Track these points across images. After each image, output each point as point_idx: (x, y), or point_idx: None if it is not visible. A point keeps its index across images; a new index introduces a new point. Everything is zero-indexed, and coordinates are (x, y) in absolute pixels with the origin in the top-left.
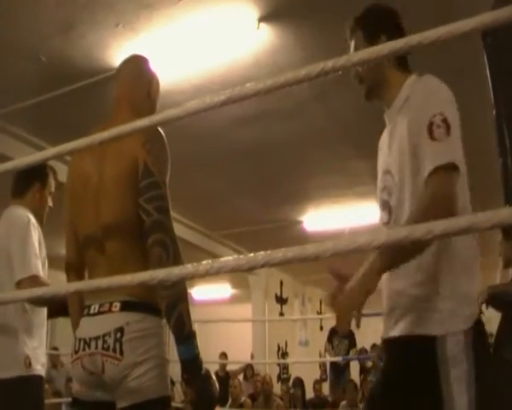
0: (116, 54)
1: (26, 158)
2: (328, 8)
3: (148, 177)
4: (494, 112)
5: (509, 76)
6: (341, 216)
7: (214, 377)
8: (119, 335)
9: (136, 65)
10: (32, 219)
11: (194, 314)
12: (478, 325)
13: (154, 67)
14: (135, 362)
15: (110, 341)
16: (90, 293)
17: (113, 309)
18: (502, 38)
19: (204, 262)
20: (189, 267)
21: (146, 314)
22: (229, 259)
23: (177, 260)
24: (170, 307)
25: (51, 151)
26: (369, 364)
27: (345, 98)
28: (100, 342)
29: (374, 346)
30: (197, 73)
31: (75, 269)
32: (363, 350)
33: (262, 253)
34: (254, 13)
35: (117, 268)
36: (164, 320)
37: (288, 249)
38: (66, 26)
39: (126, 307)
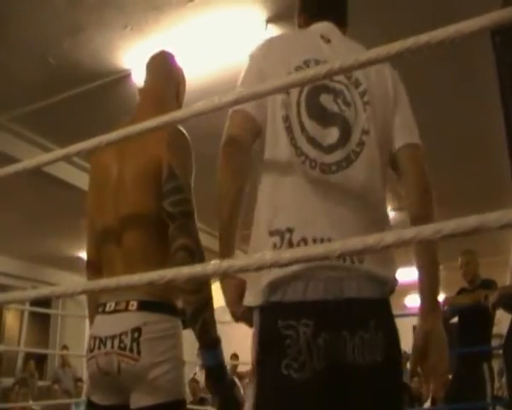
0: (124, 56)
1: (35, 159)
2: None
3: (173, 180)
4: (503, 112)
5: None
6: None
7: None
8: (136, 335)
9: (167, 63)
10: None
11: None
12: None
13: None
14: (152, 363)
15: (127, 340)
16: (104, 290)
17: (130, 308)
18: (511, 37)
19: (212, 262)
20: (197, 267)
21: (164, 314)
22: (237, 259)
23: None
24: (195, 313)
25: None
26: None
27: None
28: (116, 342)
29: None
30: (205, 74)
31: (95, 266)
32: None
33: (270, 253)
34: (262, 14)
35: (133, 263)
36: (180, 321)
37: (297, 250)
38: (75, 28)
39: (144, 306)
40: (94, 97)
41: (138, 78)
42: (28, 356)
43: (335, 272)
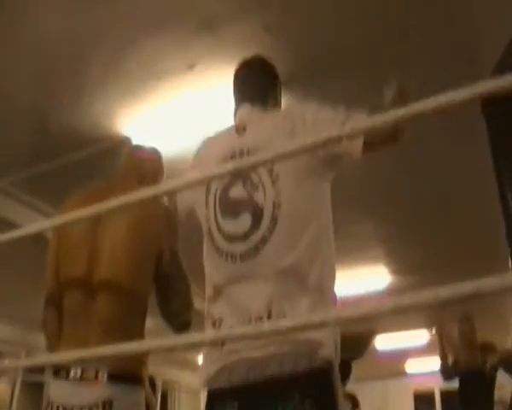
0: (124, 122)
1: (35, 225)
2: (330, 78)
3: (175, 261)
4: (496, 179)
5: (510, 143)
6: (347, 282)
7: None
8: (107, 407)
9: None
10: None
11: None
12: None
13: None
14: None
15: None
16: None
17: (100, 378)
18: (502, 106)
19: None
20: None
21: (132, 385)
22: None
23: None
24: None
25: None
26: None
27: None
28: None
29: None
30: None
31: (55, 304)
32: None
33: (266, 324)
34: None
35: (110, 332)
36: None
37: (294, 318)
38: (76, 94)
39: (114, 377)
40: (93, 163)
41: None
42: None
43: (258, 351)
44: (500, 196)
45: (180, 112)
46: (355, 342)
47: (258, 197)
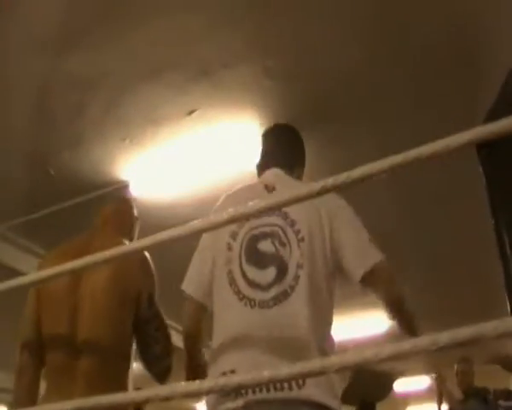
0: (123, 167)
1: (36, 275)
2: (331, 124)
3: (153, 306)
4: (492, 222)
5: (506, 186)
6: (345, 327)
7: None
8: None
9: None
10: None
11: None
12: None
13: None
14: None
15: None
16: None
17: None
18: (497, 150)
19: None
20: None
21: None
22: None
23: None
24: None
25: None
26: None
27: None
28: None
29: None
30: (203, 186)
31: (31, 352)
32: None
33: (266, 372)
34: (260, 126)
35: (95, 384)
36: None
37: (294, 366)
38: (76, 140)
39: None
40: (93, 207)
41: (136, 189)
42: None
43: (270, 406)
44: (497, 239)
45: (179, 157)
46: (380, 383)
47: (285, 254)
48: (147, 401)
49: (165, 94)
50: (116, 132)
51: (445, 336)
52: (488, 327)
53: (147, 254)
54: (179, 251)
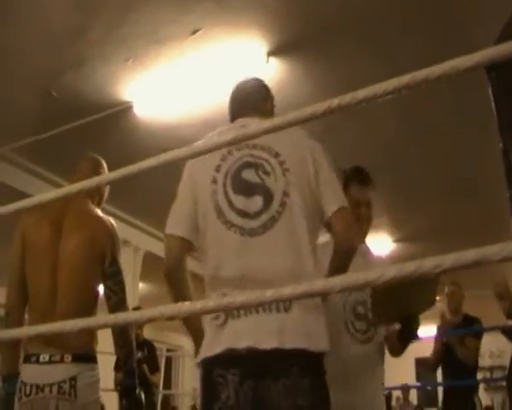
0: (126, 88)
1: (39, 197)
2: (337, 42)
3: (114, 264)
4: (500, 145)
5: None
6: None
7: None
8: (73, 382)
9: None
10: None
11: None
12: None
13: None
14: (86, 403)
15: (66, 386)
16: (35, 343)
17: (66, 360)
18: (506, 72)
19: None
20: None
21: (92, 364)
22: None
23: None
24: (123, 361)
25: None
26: None
27: (354, 131)
28: (55, 388)
29: None
30: (206, 106)
31: (19, 311)
32: None
33: (269, 292)
34: (264, 47)
35: (68, 315)
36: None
37: (297, 286)
38: (78, 61)
39: (77, 358)
40: (96, 129)
41: (140, 110)
42: None
43: (259, 325)
44: (504, 161)
45: (182, 76)
46: (422, 289)
47: (270, 183)
48: (152, 319)
49: (169, 13)
50: (119, 53)
51: (449, 259)
52: (492, 250)
53: (112, 221)
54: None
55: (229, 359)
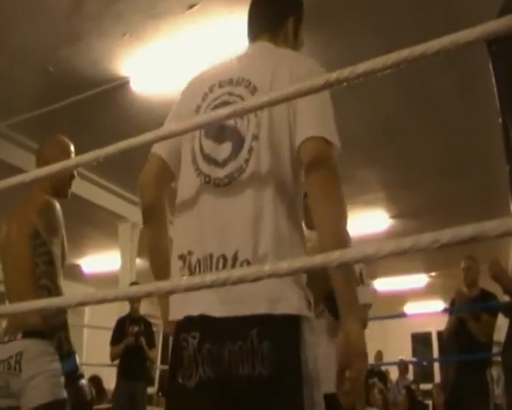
0: (123, 63)
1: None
2: (335, 17)
3: (38, 237)
4: (500, 119)
5: None
6: (348, 225)
7: None
8: (18, 357)
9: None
10: None
11: None
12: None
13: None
14: (31, 375)
15: (12, 362)
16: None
17: (17, 338)
18: (507, 46)
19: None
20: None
21: (39, 339)
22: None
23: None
24: (52, 331)
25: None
26: None
27: (353, 107)
28: (5, 364)
29: None
30: None
31: None
32: None
33: (267, 266)
34: None
35: (15, 299)
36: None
37: (295, 260)
38: (74, 36)
39: (25, 335)
40: (93, 104)
41: (137, 85)
42: None
43: (220, 310)
44: (504, 137)
45: (179, 51)
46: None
47: (242, 127)
48: (149, 295)
49: None
50: (115, 28)
51: (447, 234)
52: (490, 226)
53: (49, 201)
54: None
55: (188, 323)
